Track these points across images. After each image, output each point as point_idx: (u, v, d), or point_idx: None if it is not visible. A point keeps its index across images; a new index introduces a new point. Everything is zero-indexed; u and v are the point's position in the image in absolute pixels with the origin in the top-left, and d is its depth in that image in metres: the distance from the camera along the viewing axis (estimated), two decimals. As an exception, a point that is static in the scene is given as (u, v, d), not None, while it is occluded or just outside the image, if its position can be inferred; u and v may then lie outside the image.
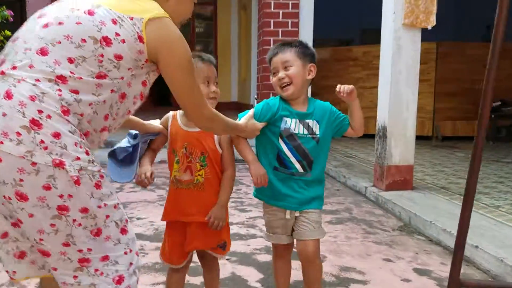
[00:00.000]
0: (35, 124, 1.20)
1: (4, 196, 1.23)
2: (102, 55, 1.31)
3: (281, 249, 2.11)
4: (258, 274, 2.65)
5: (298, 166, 1.97)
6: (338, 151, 6.83)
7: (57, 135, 1.22)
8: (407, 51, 4.15)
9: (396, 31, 4.12)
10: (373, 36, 10.10)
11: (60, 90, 1.26)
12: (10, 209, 1.26)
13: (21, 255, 1.41)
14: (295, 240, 2.09)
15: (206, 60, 1.92)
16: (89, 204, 1.27)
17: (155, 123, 2.01)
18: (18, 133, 1.19)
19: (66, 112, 1.25)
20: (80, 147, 1.27)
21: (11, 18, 3.68)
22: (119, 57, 1.33)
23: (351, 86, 1.92)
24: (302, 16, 7.12)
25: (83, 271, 1.32)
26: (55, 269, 1.33)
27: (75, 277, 1.32)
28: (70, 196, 1.23)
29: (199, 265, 2.56)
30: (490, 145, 7.61)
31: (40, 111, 1.22)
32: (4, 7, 3.91)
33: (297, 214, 2.01)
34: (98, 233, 1.31)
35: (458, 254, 1.51)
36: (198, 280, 2.50)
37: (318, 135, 1.98)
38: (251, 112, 2.00)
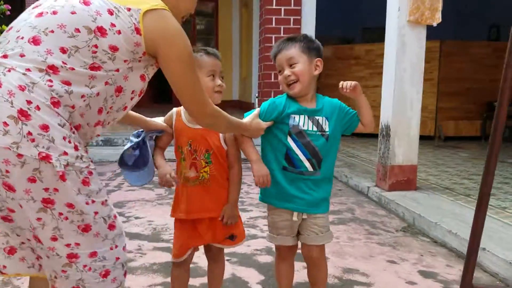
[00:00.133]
0: (23, 114, 1.17)
1: None
2: (96, 46, 1.27)
3: (285, 251, 2.03)
4: (259, 276, 2.58)
5: (307, 164, 1.89)
6: (339, 150, 6.75)
7: (45, 127, 1.19)
8: (411, 49, 4.07)
9: (401, 28, 4.03)
10: (375, 34, 10.05)
11: (51, 80, 1.22)
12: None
13: (11, 250, 1.41)
14: (299, 241, 2.02)
15: (211, 53, 1.88)
16: (76, 199, 1.24)
17: (158, 121, 1.96)
18: (5, 123, 1.16)
19: (56, 104, 1.22)
20: (69, 141, 1.23)
21: (8, 12, 3.60)
22: (114, 49, 1.29)
23: (354, 82, 1.85)
24: (304, 13, 7.04)
25: (71, 267, 1.30)
26: (48, 257, 1.32)
27: (63, 271, 1.31)
28: (55, 190, 1.21)
29: (199, 266, 2.50)
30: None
31: (29, 102, 1.18)
32: (1, 1, 3.83)
33: (304, 216, 1.94)
34: (86, 228, 1.29)
35: (471, 259, 1.43)
36: (198, 281, 2.43)
37: (328, 132, 1.90)
38: (256, 111, 1.93)
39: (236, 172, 1.93)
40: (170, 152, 1.93)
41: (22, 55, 1.23)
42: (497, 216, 3.37)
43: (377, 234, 3.37)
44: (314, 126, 1.89)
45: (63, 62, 1.24)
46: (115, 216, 1.38)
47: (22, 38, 1.26)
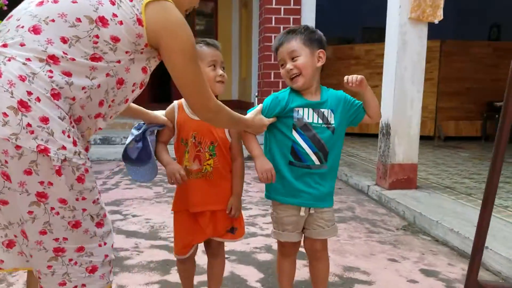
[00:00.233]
0: (23, 106, 1.15)
1: None
2: (97, 36, 1.25)
3: (289, 247, 1.98)
4: (258, 274, 2.53)
5: (314, 158, 1.85)
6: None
7: (45, 119, 1.17)
8: (412, 47, 4.03)
9: (402, 26, 3.99)
10: (375, 34, 10.03)
11: (51, 71, 1.20)
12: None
13: (10, 244, 1.37)
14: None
15: (211, 44, 1.87)
16: (68, 195, 1.23)
17: (159, 114, 1.93)
18: (5, 114, 1.14)
19: (56, 96, 1.20)
20: (68, 136, 1.21)
21: (5, 7, 3.56)
22: (115, 39, 1.26)
23: (360, 76, 1.80)
24: (304, 13, 7.02)
25: (57, 261, 1.28)
26: (31, 256, 1.30)
27: (49, 267, 1.29)
28: (50, 184, 1.20)
29: (197, 264, 2.44)
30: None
31: (29, 93, 1.16)
32: (-2, -4, 3.78)
33: (312, 211, 1.90)
34: (76, 225, 1.27)
35: (476, 257, 1.39)
36: (196, 279, 2.38)
37: (334, 125, 1.86)
38: (259, 107, 1.90)
39: (240, 165, 1.93)
40: (170, 150, 1.92)
41: (22, 44, 1.21)
42: (500, 215, 3.33)
43: (377, 232, 3.33)
44: (319, 118, 1.85)
45: (63, 52, 1.22)
46: (104, 215, 1.36)
47: (22, 27, 1.24)
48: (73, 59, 1.22)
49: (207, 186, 1.87)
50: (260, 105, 1.91)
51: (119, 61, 1.30)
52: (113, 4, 1.27)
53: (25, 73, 1.17)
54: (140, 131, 1.84)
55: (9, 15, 1.34)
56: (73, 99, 1.24)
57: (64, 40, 1.22)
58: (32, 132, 1.15)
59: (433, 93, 7.76)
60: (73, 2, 1.26)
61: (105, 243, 1.36)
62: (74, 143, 1.23)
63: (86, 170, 1.26)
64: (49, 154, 1.16)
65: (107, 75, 1.29)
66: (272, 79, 7.13)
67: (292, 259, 2.04)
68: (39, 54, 1.20)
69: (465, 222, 3.16)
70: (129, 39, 1.29)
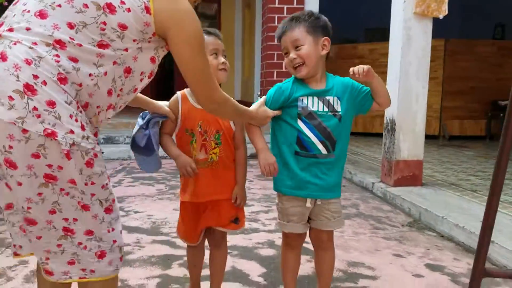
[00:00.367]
0: (29, 89, 1.13)
1: None
2: (104, 23, 1.23)
3: (294, 239, 1.94)
4: (261, 268, 2.49)
5: (320, 147, 1.81)
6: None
7: (52, 103, 1.15)
8: (417, 42, 3.99)
9: (406, 21, 3.95)
10: (378, 35, 9.99)
11: (58, 56, 1.18)
12: (0, 175, 1.23)
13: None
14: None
15: (212, 33, 1.86)
16: (77, 178, 1.22)
17: (162, 105, 1.92)
18: (11, 97, 1.12)
19: (63, 80, 1.18)
20: (76, 120, 1.19)
21: (6, 3, 3.54)
22: (123, 27, 1.25)
23: (366, 66, 1.73)
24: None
25: (67, 240, 1.28)
26: (39, 238, 1.28)
27: (59, 245, 1.28)
28: (60, 167, 1.18)
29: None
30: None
31: (35, 76, 1.14)
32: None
33: (318, 202, 1.86)
34: (85, 207, 1.26)
35: (484, 240, 1.34)
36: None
37: (340, 112, 1.82)
38: (262, 98, 1.87)
39: (243, 153, 1.92)
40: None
41: (28, 29, 1.19)
42: (506, 210, 3.29)
43: (382, 229, 3.28)
44: (325, 106, 1.81)
45: (70, 38, 1.20)
46: (113, 200, 1.35)
47: (29, 11, 1.23)
48: (80, 45, 1.21)
49: (213, 175, 1.87)
50: (264, 96, 1.88)
51: (126, 49, 1.28)
52: None
53: (31, 56, 1.15)
54: (145, 120, 1.85)
55: (15, 0, 1.32)
56: (80, 85, 1.22)
57: (71, 26, 1.21)
58: (38, 116, 1.13)
59: (438, 92, 7.70)
60: None
61: (113, 229, 1.35)
62: (82, 128, 1.21)
63: (95, 155, 1.25)
64: (56, 138, 1.14)
65: (114, 63, 1.27)
66: (275, 78, 7.09)
67: (296, 252, 1.99)
68: (46, 39, 1.18)
69: (470, 217, 3.11)
70: (137, 27, 1.27)
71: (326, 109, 1.81)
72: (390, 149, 4.17)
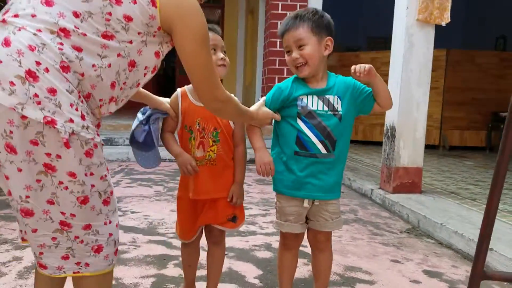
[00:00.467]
0: (31, 75, 1.12)
1: None
2: (110, 14, 1.23)
3: (291, 239, 1.92)
4: (257, 270, 2.47)
5: (320, 146, 1.78)
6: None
7: (52, 91, 1.14)
8: (419, 49, 3.98)
9: (409, 28, 3.95)
10: (380, 44, 10.00)
11: (61, 44, 1.17)
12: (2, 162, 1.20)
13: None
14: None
15: (210, 29, 1.83)
16: (77, 169, 1.20)
17: (164, 101, 1.91)
18: (12, 83, 1.11)
19: (65, 68, 1.17)
20: (76, 109, 1.18)
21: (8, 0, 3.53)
22: (128, 18, 1.25)
23: (368, 65, 1.71)
24: (309, 19, 6.99)
25: (62, 234, 1.26)
26: (35, 231, 1.26)
27: (53, 238, 1.26)
28: (58, 156, 1.17)
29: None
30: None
31: (38, 63, 1.13)
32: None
33: (316, 202, 1.84)
34: (84, 200, 1.25)
35: (484, 241, 1.32)
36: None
37: (341, 112, 1.79)
38: (262, 99, 1.86)
39: (242, 151, 1.91)
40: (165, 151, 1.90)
41: (33, 15, 1.18)
42: (505, 219, 3.27)
43: (380, 235, 3.26)
44: (324, 105, 1.79)
45: (75, 27, 1.19)
46: (111, 193, 1.34)
47: None
48: (85, 34, 1.20)
49: (211, 173, 1.85)
50: (263, 97, 1.88)
51: (131, 42, 1.28)
52: None
53: (35, 43, 1.14)
54: (145, 116, 1.84)
55: None
56: (82, 74, 1.21)
57: (76, 15, 1.20)
58: (39, 103, 1.12)
59: (439, 102, 7.70)
60: None
61: (110, 222, 1.33)
62: (82, 117, 1.20)
63: (95, 145, 1.24)
64: (56, 126, 1.13)
65: (119, 55, 1.26)
66: (276, 84, 7.09)
67: (293, 253, 1.97)
68: (50, 26, 1.18)
69: (469, 225, 3.09)
70: (142, 20, 1.27)
71: (326, 108, 1.79)
72: (390, 156, 4.15)
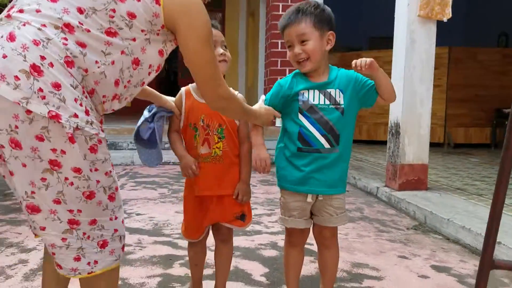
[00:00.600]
0: (36, 70, 1.12)
1: None
2: (114, 10, 1.23)
3: (296, 236, 1.91)
4: (263, 269, 2.45)
5: (323, 141, 1.77)
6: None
7: (57, 85, 1.14)
8: (421, 45, 3.97)
9: (410, 24, 3.94)
10: (382, 44, 9.98)
11: (66, 39, 1.18)
12: (3, 158, 1.20)
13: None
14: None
15: None
16: (82, 164, 1.20)
17: (170, 100, 1.92)
18: (17, 77, 1.11)
19: (69, 63, 1.17)
20: (80, 104, 1.18)
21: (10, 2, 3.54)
22: (132, 15, 1.25)
23: (369, 59, 1.68)
24: (310, 19, 7.00)
25: (72, 234, 1.25)
26: (43, 229, 1.25)
27: (63, 239, 1.25)
28: (63, 152, 1.16)
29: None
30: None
31: (42, 57, 1.13)
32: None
33: (320, 197, 1.83)
34: (90, 196, 1.24)
35: (492, 230, 1.30)
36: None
37: (343, 105, 1.77)
38: (261, 99, 1.86)
39: (247, 148, 1.89)
40: (167, 154, 1.87)
41: (38, 11, 1.19)
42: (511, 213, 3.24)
43: (387, 231, 3.24)
44: (326, 99, 1.77)
45: (79, 22, 1.20)
46: (116, 188, 1.33)
47: None
48: (89, 31, 1.20)
49: (216, 170, 1.85)
50: (263, 96, 1.88)
51: (134, 39, 1.28)
52: None
53: (39, 38, 1.15)
54: (151, 113, 1.85)
55: None
56: (86, 70, 1.21)
57: (80, 11, 1.21)
58: (43, 98, 1.12)
59: (442, 99, 7.65)
60: None
61: (116, 217, 1.33)
62: (87, 113, 1.20)
63: (100, 141, 1.23)
64: (60, 121, 1.13)
65: (122, 52, 1.27)
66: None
67: (299, 249, 1.95)
68: (55, 21, 1.18)
69: (477, 219, 3.06)
70: (146, 17, 1.27)
71: (327, 102, 1.78)
72: (395, 153, 4.13)
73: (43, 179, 1.18)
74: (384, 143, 4.56)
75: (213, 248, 2.03)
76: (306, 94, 1.78)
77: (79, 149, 1.17)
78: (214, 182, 1.84)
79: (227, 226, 1.92)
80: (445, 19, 3.89)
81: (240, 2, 11.39)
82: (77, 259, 1.28)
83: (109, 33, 1.23)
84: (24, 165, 1.17)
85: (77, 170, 1.19)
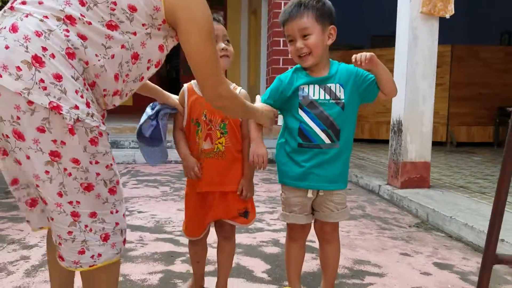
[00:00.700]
0: (37, 61, 1.13)
1: (3, 134, 1.19)
2: (115, 3, 1.23)
3: (297, 231, 1.90)
4: (265, 265, 2.45)
5: (323, 136, 1.76)
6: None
7: (58, 77, 1.14)
8: (424, 42, 3.95)
9: (412, 20, 3.92)
10: (384, 42, 9.97)
11: (67, 31, 1.18)
12: (8, 149, 1.23)
13: (33, 202, 1.40)
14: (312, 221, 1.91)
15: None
16: (81, 156, 1.20)
17: (173, 97, 1.92)
18: (18, 68, 1.12)
19: (71, 55, 1.18)
20: (81, 96, 1.18)
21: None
22: (132, 9, 1.25)
23: (369, 54, 1.67)
24: (313, 17, 6.97)
25: (76, 226, 1.26)
26: (52, 219, 1.28)
27: (69, 232, 1.27)
28: (63, 143, 1.17)
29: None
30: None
31: (44, 48, 1.14)
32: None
33: (321, 193, 1.82)
34: (88, 188, 1.24)
35: (495, 225, 1.29)
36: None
37: (343, 100, 1.76)
38: (257, 98, 1.85)
39: (249, 144, 1.87)
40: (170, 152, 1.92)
41: (40, 3, 1.19)
42: (515, 211, 3.22)
43: (389, 229, 3.23)
44: (326, 94, 1.76)
45: (81, 15, 1.20)
46: (117, 182, 1.33)
47: None
48: (90, 23, 1.21)
49: (219, 166, 1.83)
50: (258, 96, 1.87)
51: (135, 33, 1.27)
52: None
53: (41, 29, 1.15)
54: (154, 111, 1.83)
55: None
56: (87, 63, 1.22)
57: (82, 3, 1.21)
58: (44, 88, 1.12)
59: (445, 98, 7.63)
60: None
61: (116, 211, 1.33)
62: (88, 105, 1.20)
63: (100, 134, 1.23)
64: (61, 112, 1.13)
65: (123, 47, 1.26)
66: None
67: (300, 244, 1.95)
68: (57, 13, 1.18)
69: (479, 217, 3.05)
70: (146, 11, 1.27)
71: (328, 97, 1.77)
72: (397, 151, 4.12)
73: (47, 172, 1.19)
74: (386, 142, 4.54)
75: (215, 245, 2.02)
76: (306, 89, 1.78)
77: (79, 141, 1.18)
78: (217, 178, 1.83)
79: (230, 223, 1.90)
80: (447, 16, 3.87)
81: (242, 0, 11.38)
82: (82, 252, 1.29)
83: (110, 26, 1.23)
84: (28, 157, 1.18)
85: (76, 161, 1.19)
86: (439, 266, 2.50)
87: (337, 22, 1.80)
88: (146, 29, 1.29)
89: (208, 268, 2.27)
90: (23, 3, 1.21)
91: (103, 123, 1.27)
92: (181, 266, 2.39)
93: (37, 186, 1.22)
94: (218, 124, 1.81)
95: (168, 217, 3.36)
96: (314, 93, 1.77)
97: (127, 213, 3.42)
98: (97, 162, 1.23)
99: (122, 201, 1.36)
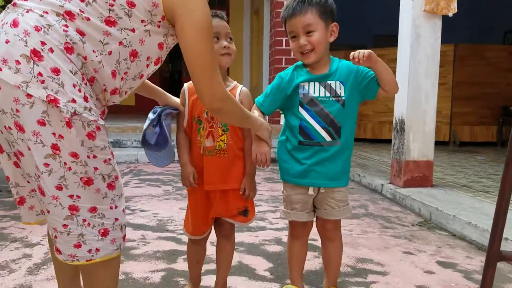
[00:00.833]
0: (36, 55, 1.15)
1: (5, 126, 1.21)
2: None
3: (299, 228, 1.90)
4: (267, 263, 2.44)
5: (324, 134, 1.75)
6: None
7: (56, 70, 1.16)
8: (426, 40, 3.94)
9: (415, 19, 3.91)
10: (386, 42, 9.94)
11: (66, 26, 1.20)
12: (11, 140, 1.24)
13: (21, 201, 1.42)
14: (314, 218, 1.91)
15: (213, 14, 1.77)
16: (79, 150, 1.21)
17: (174, 98, 1.91)
18: (18, 62, 1.14)
19: (69, 50, 1.19)
20: (79, 90, 1.19)
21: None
22: (131, 4, 1.25)
23: (367, 51, 1.66)
24: (315, 16, 6.97)
25: (73, 220, 1.26)
26: (48, 211, 1.28)
27: (65, 226, 1.26)
28: (61, 136, 1.18)
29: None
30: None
31: (43, 43, 1.16)
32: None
33: (322, 190, 1.81)
34: (88, 182, 1.24)
35: (499, 221, 1.29)
36: (203, 268, 2.29)
37: (343, 97, 1.76)
38: (254, 106, 1.84)
39: (251, 143, 1.85)
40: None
41: None
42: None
43: (392, 228, 3.21)
44: (326, 91, 1.76)
45: (80, 10, 1.21)
46: (116, 177, 1.32)
47: None
48: (88, 19, 1.21)
49: (220, 164, 1.81)
50: (255, 105, 1.86)
51: (133, 30, 1.27)
52: None
53: (41, 24, 1.17)
54: (156, 114, 1.82)
55: None
56: (85, 58, 1.22)
57: None
58: (42, 82, 1.14)
59: (448, 97, 7.61)
60: None
61: (116, 206, 1.32)
62: (85, 99, 1.20)
63: (98, 128, 1.23)
64: (58, 105, 1.14)
65: (120, 43, 1.26)
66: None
67: (302, 242, 1.94)
68: (57, 9, 1.20)
69: (483, 216, 3.04)
70: (145, 7, 1.27)
71: (328, 94, 1.76)
72: (400, 150, 4.10)
73: (46, 165, 1.19)
74: (388, 141, 4.53)
75: (214, 243, 2.01)
76: (306, 87, 1.77)
77: (76, 134, 1.18)
78: (219, 176, 1.82)
79: (229, 221, 1.90)
80: (450, 14, 3.86)
81: (244, 0, 11.38)
82: (78, 246, 1.28)
83: (108, 22, 1.24)
84: (29, 149, 1.20)
85: (74, 155, 1.20)
86: (442, 265, 2.49)
87: (339, 22, 1.80)
88: (145, 26, 1.29)
89: (209, 266, 2.26)
90: None
91: (102, 118, 1.27)
92: (183, 265, 2.38)
93: (38, 176, 1.22)
94: (219, 121, 1.80)
95: (170, 216, 3.35)
96: (314, 90, 1.77)
97: (129, 211, 3.44)
98: (94, 156, 1.23)
99: (121, 196, 1.35)
